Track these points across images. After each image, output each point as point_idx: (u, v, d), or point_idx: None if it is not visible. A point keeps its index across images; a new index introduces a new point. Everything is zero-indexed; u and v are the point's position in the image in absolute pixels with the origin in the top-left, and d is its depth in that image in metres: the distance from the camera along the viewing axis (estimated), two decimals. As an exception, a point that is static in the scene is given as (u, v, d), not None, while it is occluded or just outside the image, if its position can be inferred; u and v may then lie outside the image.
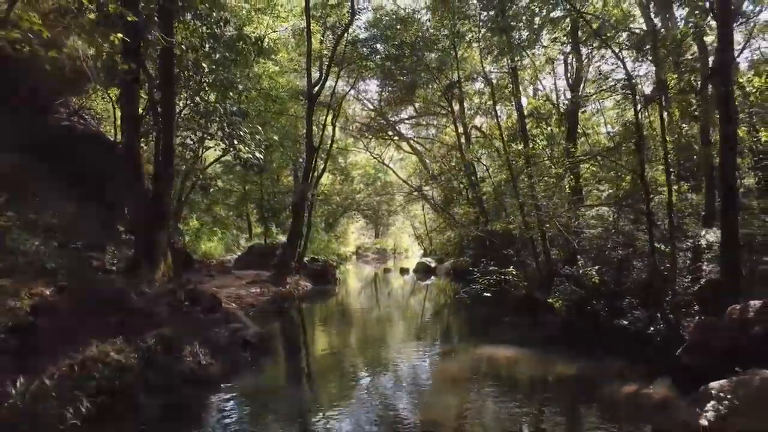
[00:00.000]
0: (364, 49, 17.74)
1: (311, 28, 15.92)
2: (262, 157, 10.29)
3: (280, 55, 18.64)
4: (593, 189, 13.07)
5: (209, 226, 20.55)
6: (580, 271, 9.42)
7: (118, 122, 10.81)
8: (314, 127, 16.77)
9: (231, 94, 9.56)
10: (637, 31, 11.24)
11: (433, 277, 21.16)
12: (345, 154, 28.82)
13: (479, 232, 15.10)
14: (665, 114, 13.09)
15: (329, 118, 18.83)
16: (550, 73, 16.93)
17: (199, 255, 17.55)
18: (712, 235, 8.82)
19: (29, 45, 3.94)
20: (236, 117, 9.47)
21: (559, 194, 11.61)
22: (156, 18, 7.59)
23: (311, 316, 12.44)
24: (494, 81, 16.11)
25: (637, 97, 8.16)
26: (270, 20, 17.40)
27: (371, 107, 24.64)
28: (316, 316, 12.58)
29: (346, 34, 16.63)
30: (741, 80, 7.51)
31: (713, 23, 8.02)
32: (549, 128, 13.92)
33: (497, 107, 15.03)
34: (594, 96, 13.43)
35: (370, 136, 25.99)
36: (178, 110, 9.30)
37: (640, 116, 10.89)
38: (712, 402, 4.33)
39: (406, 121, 26.54)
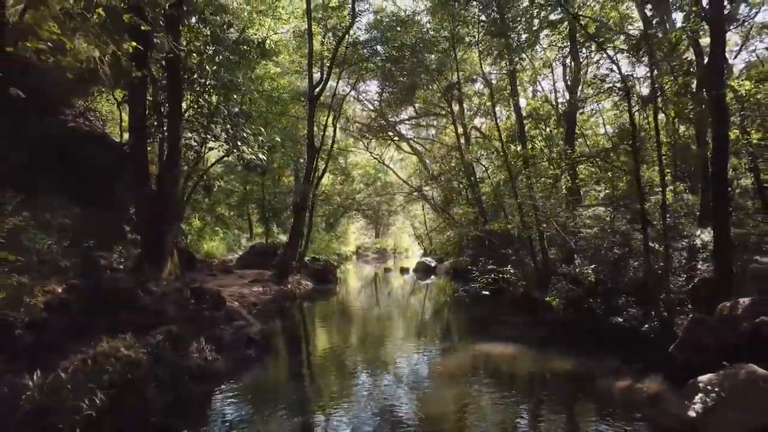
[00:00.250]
0: (365, 50, 17.92)
1: (312, 29, 16.10)
2: (265, 158, 10.45)
3: (282, 56, 18.82)
4: (591, 189, 13.26)
5: (211, 225, 20.73)
6: (577, 270, 9.60)
7: (123, 124, 10.98)
8: (315, 128, 16.95)
9: (235, 96, 9.73)
10: (635, 32, 11.46)
11: (433, 277, 21.34)
12: (345, 154, 28.99)
13: (478, 232, 15.28)
14: (662, 116, 13.32)
15: (330, 119, 19.00)
16: (546, 77, 17.11)
17: (201, 255, 17.73)
18: (706, 235, 8.99)
19: (53, 55, 4.11)
20: (240, 119, 9.64)
21: (557, 195, 11.79)
22: (161, 22, 7.77)
23: (312, 315, 12.62)
24: (493, 82, 16.30)
25: (633, 99, 8.32)
26: (271, 22, 17.57)
27: (372, 108, 24.83)
28: (318, 314, 12.75)
29: (346, 36, 16.81)
30: (733, 83, 7.67)
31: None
32: (547, 129, 14.12)
33: (496, 108, 15.22)
34: (591, 98, 13.60)
35: (371, 137, 26.17)
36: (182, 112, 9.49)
37: (636, 118, 11.11)
38: (700, 395, 4.52)
39: (407, 122, 26.74)
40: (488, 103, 16.70)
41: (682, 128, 13.82)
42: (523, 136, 13.31)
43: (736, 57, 14.80)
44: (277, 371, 7.53)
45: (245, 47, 11.12)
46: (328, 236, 28.90)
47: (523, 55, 14.90)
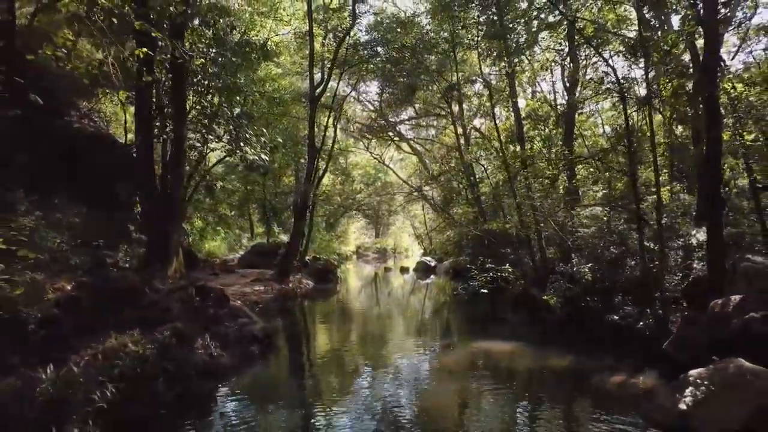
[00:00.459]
0: (365, 51, 18.07)
1: (313, 31, 16.25)
2: (267, 159, 10.61)
3: (283, 58, 18.96)
4: (589, 190, 13.42)
5: (212, 225, 20.90)
6: (575, 269, 9.76)
7: (127, 124, 11.15)
8: (315, 128, 17.10)
9: (238, 98, 9.88)
10: (632, 34, 11.60)
11: (432, 276, 21.49)
12: (346, 154, 29.15)
13: (478, 232, 15.43)
14: (659, 117, 13.47)
15: (331, 119, 19.16)
16: (545, 79, 17.26)
17: (203, 254, 17.90)
18: (702, 234, 9.14)
19: (70, 62, 4.27)
20: (242, 120, 9.80)
21: (555, 195, 11.94)
22: (165, 24, 7.92)
23: (314, 313, 12.77)
24: (493, 83, 16.46)
25: (629, 101, 8.47)
26: (272, 24, 17.73)
27: (372, 108, 24.98)
28: (319, 313, 12.91)
29: (347, 38, 16.96)
30: (727, 85, 7.83)
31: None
32: (546, 130, 14.27)
33: (495, 109, 15.38)
34: (589, 99, 13.76)
35: (371, 137, 26.34)
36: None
37: (632, 120, 11.26)
38: (690, 388, 4.68)
39: (407, 122, 26.90)
40: (487, 104, 16.87)
41: (680, 128, 13.98)
42: (522, 137, 13.46)
43: (733, 58, 14.95)
44: (280, 368, 7.70)
45: (248, 49, 11.28)
46: (329, 236, 29.08)
47: (522, 57, 15.06)
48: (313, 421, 5.28)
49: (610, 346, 7.65)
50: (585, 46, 12.48)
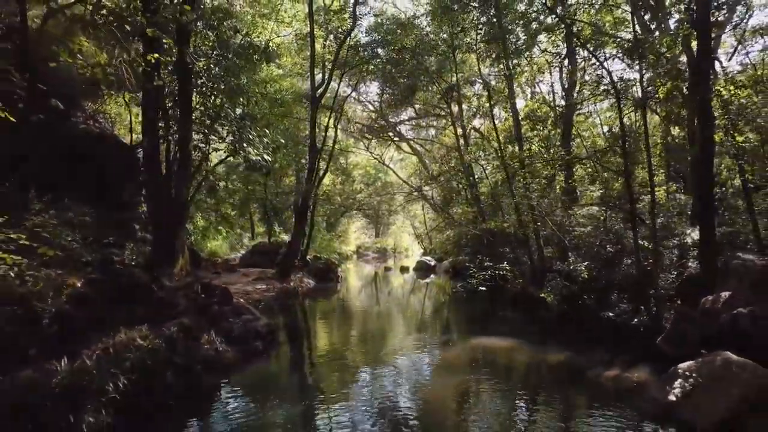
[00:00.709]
0: (366, 53, 18.25)
1: (314, 33, 16.43)
2: (270, 159, 10.80)
3: (284, 59, 19.14)
4: (586, 189, 13.61)
5: (214, 225, 21.09)
6: (572, 268, 9.95)
7: (132, 125, 11.33)
8: (316, 129, 17.28)
9: (241, 99, 10.06)
10: (628, 36, 11.76)
11: (432, 276, 21.68)
12: (346, 154, 29.33)
13: (477, 231, 15.62)
14: (655, 117, 13.66)
15: (331, 120, 19.34)
16: (543, 81, 17.43)
17: (205, 253, 18.08)
18: (697, 233, 9.34)
19: (84, 66, 4.45)
20: (245, 121, 9.98)
21: (553, 194, 12.13)
22: (171, 27, 8.10)
23: (315, 311, 12.96)
24: (492, 83, 16.64)
25: (623, 103, 8.66)
26: (274, 25, 17.91)
27: (372, 109, 25.16)
28: (320, 311, 13.09)
29: (348, 39, 17.14)
30: (720, 87, 8.02)
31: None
32: (545, 130, 14.44)
33: (495, 110, 15.56)
34: (587, 100, 13.93)
35: (371, 137, 26.52)
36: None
37: (630, 120, 11.44)
38: (680, 380, 4.87)
39: (407, 123, 27.09)
40: (486, 105, 17.04)
41: (677, 129, 14.15)
42: (520, 138, 13.65)
43: (730, 59, 15.12)
44: (283, 363, 7.89)
45: (250, 51, 11.46)
46: (329, 236, 29.26)
47: (521, 58, 15.23)
48: (314, 414, 5.44)
49: (605, 342, 7.82)
50: (582, 48, 12.65)
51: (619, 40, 10.36)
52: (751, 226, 8.69)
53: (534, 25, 14.30)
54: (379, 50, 18.21)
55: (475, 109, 20.23)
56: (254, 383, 6.49)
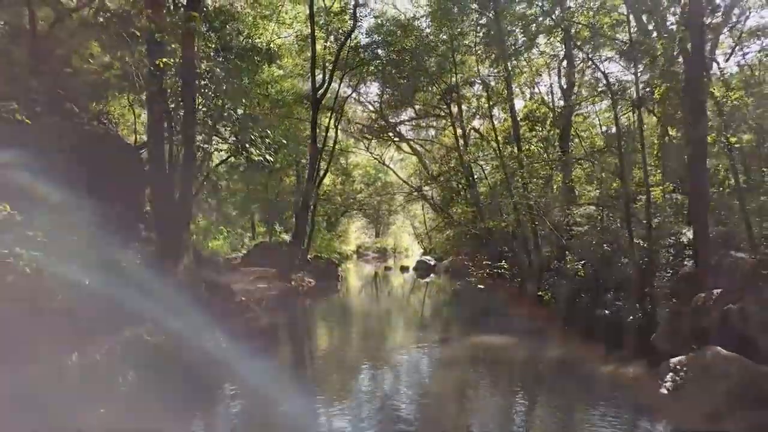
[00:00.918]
0: (366, 53, 18.39)
1: (315, 34, 16.56)
2: (272, 159, 10.95)
3: (285, 60, 19.27)
4: (584, 189, 13.75)
5: (216, 225, 21.22)
6: (569, 266, 10.10)
7: (136, 126, 11.48)
8: (317, 129, 17.42)
9: (244, 100, 10.19)
10: (626, 37, 11.90)
11: (432, 275, 21.83)
12: (346, 154, 29.44)
13: (476, 231, 15.78)
14: (653, 118, 13.79)
15: (332, 120, 19.48)
16: (541, 82, 17.57)
17: (207, 252, 18.19)
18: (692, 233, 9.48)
19: (101, 71, 4.60)
20: (248, 121, 10.12)
21: (551, 194, 12.28)
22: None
23: (317, 310, 13.12)
24: (492, 83, 16.79)
25: (621, 104, 8.81)
26: (275, 26, 18.03)
27: (372, 109, 25.27)
28: (321, 310, 13.25)
29: (348, 40, 17.28)
30: (714, 89, 8.16)
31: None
32: (543, 131, 14.60)
33: (494, 110, 15.71)
34: (585, 100, 14.08)
35: (371, 137, 26.63)
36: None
37: (627, 121, 11.61)
38: (671, 374, 5.03)
39: (407, 123, 27.17)
40: (486, 106, 17.20)
41: (674, 130, 14.29)
42: (518, 138, 13.79)
43: (728, 60, 15.25)
44: (286, 359, 8.03)
45: (252, 53, 11.60)
46: (330, 235, 29.35)
47: (520, 58, 15.38)
48: (317, 411, 5.52)
49: (601, 339, 7.98)
50: (579, 50, 12.79)
51: (616, 42, 10.52)
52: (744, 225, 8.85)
53: (533, 27, 14.47)
54: (380, 51, 18.36)
55: (474, 110, 20.38)
56: (256, 380, 6.61)
